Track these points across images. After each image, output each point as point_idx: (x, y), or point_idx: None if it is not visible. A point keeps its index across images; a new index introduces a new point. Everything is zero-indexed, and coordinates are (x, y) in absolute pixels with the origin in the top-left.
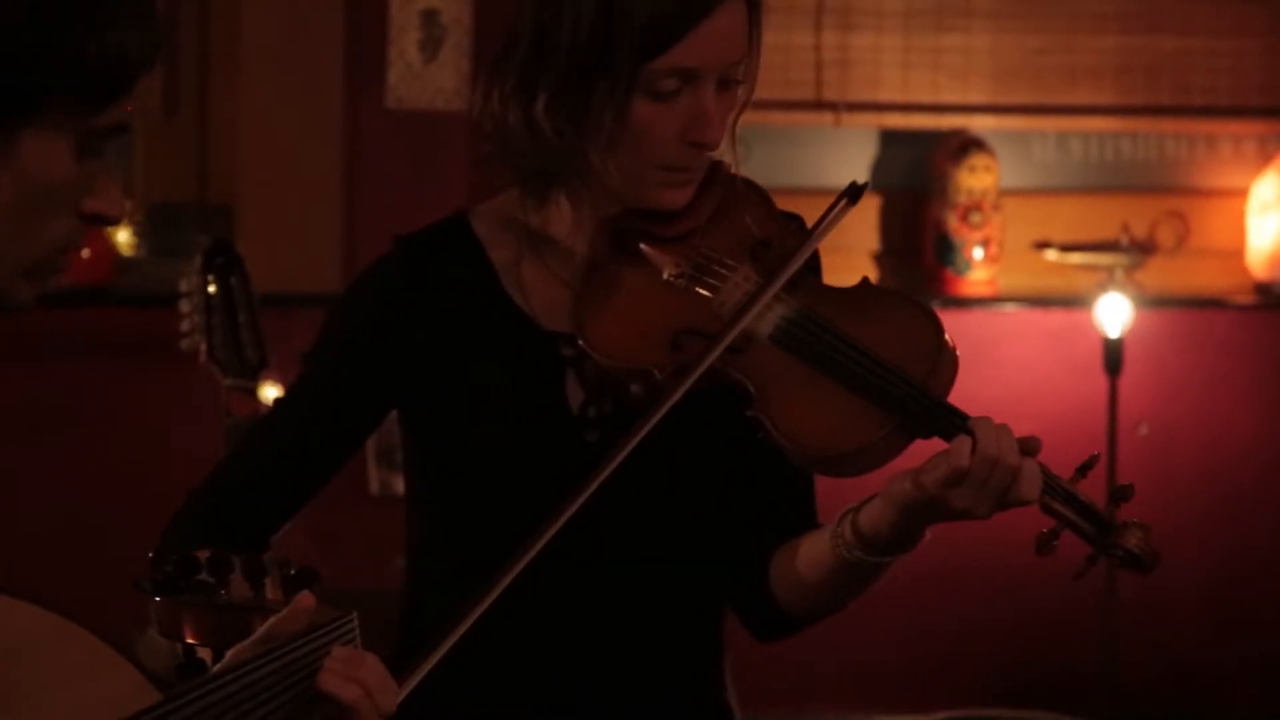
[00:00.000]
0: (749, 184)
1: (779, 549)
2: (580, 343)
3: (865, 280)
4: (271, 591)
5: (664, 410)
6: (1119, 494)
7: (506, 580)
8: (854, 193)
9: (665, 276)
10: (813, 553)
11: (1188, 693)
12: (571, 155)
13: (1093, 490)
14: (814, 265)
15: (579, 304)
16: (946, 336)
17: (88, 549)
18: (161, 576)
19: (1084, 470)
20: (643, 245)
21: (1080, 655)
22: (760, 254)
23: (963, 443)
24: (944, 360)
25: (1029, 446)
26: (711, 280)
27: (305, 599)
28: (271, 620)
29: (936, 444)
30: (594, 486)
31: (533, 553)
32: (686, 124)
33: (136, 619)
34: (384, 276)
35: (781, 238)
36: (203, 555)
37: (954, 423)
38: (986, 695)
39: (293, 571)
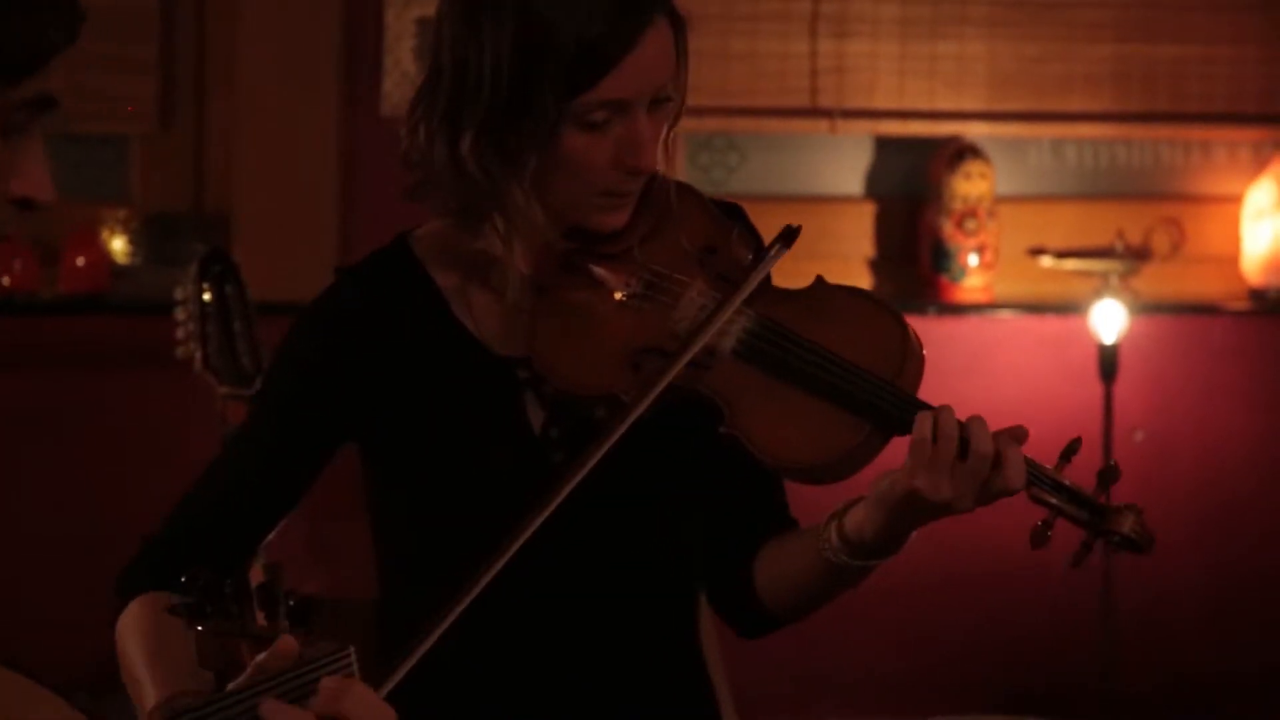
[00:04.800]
0: (684, 187)
1: (764, 549)
2: (539, 370)
3: (820, 279)
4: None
5: (621, 432)
6: (1107, 476)
7: (467, 599)
8: (788, 237)
9: (618, 297)
10: (798, 555)
11: (1185, 700)
12: (499, 191)
13: (1082, 480)
14: (751, 243)
15: (532, 331)
16: (910, 331)
17: (83, 556)
18: (191, 602)
19: (1067, 455)
20: (593, 266)
21: (1078, 662)
22: (709, 261)
23: (925, 417)
24: (910, 355)
25: (1016, 435)
26: (665, 298)
27: (286, 644)
28: (261, 657)
29: None
30: (552, 506)
31: (493, 572)
32: (621, 150)
33: None
34: (333, 309)
35: (727, 242)
36: (225, 580)
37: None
38: (985, 702)
39: (292, 603)
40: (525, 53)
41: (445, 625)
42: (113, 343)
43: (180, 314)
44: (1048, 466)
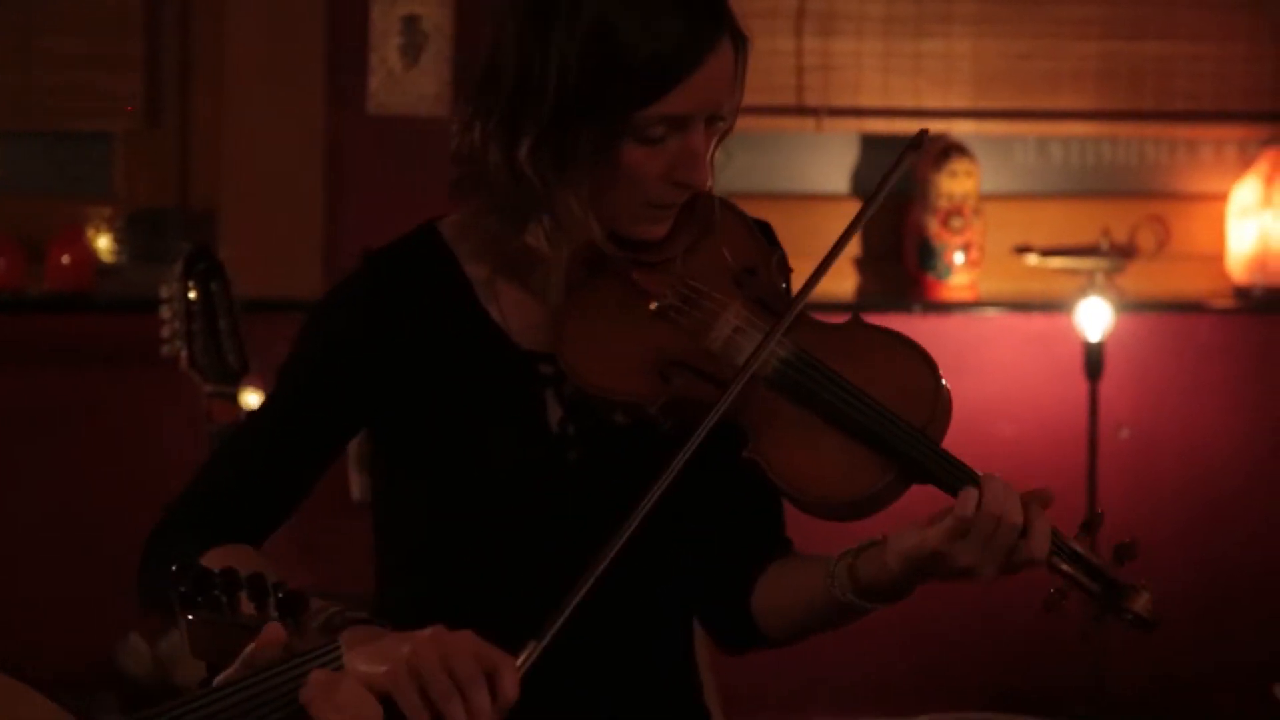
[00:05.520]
0: (726, 204)
1: (765, 573)
2: (564, 368)
3: (856, 316)
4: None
5: (688, 452)
6: (1123, 552)
7: (546, 643)
8: (918, 142)
9: (653, 306)
10: (803, 586)
11: (1170, 698)
12: (552, 197)
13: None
14: (786, 272)
15: (561, 330)
16: (942, 379)
17: (69, 554)
18: (182, 591)
19: (1088, 528)
20: (632, 272)
21: (1065, 660)
22: (748, 283)
23: (969, 494)
24: (941, 405)
25: (1043, 500)
26: (700, 314)
27: (273, 631)
28: (249, 648)
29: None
30: (623, 541)
31: (565, 615)
32: (675, 165)
33: (118, 623)
34: (357, 292)
35: (767, 266)
36: (215, 571)
37: (953, 472)
38: (974, 700)
39: (281, 595)
40: (593, 63)
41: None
42: (98, 341)
43: (165, 312)
44: (1069, 537)
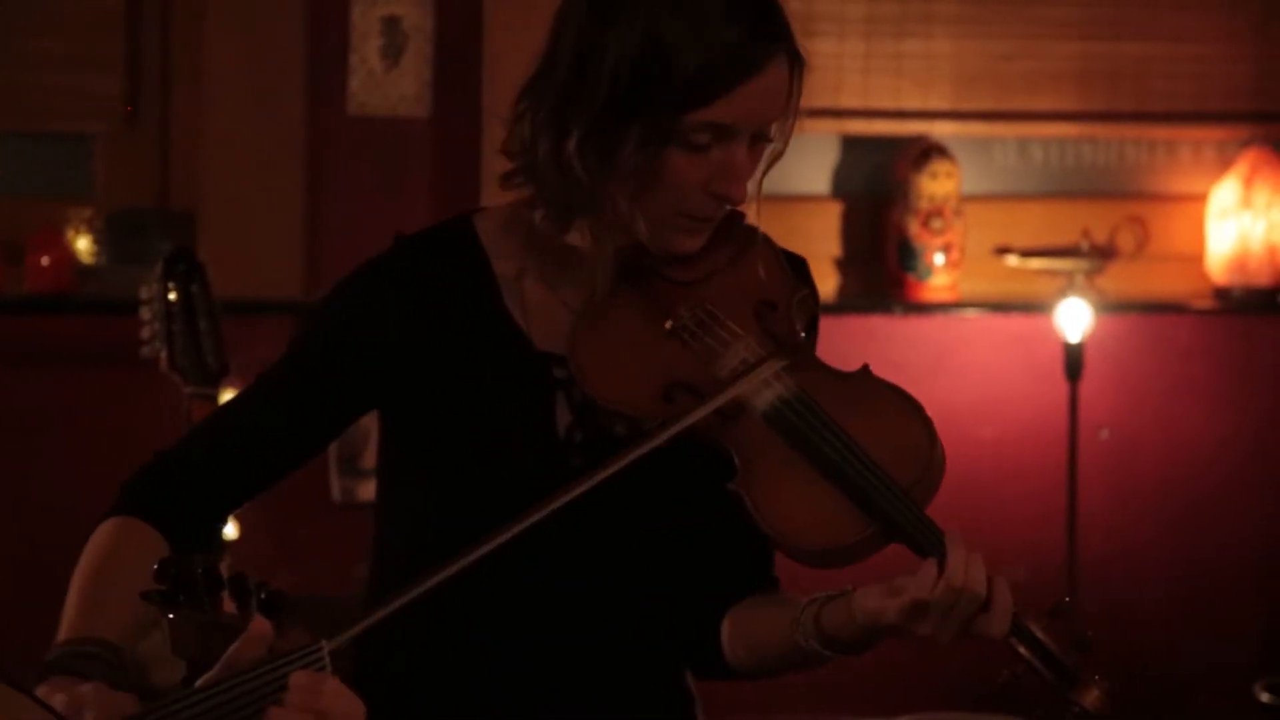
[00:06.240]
0: (766, 239)
1: (738, 606)
2: (573, 370)
3: (866, 369)
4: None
5: (639, 453)
6: (1080, 645)
7: (446, 574)
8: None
9: (668, 325)
10: (771, 626)
11: (1148, 698)
12: (599, 195)
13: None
14: (807, 312)
15: (577, 333)
16: (938, 445)
17: (47, 557)
18: (163, 588)
19: (1055, 614)
20: (654, 286)
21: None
22: (766, 318)
23: (928, 574)
24: (932, 469)
25: (1012, 580)
26: (713, 340)
27: (260, 625)
28: (233, 649)
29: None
30: (551, 508)
31: (479, 554)
32: (714, 176)
33: None
34: (382, 275)
35: (788, 304)
36: (197, 569)
37: (930, 540)
38: (952, 699)
39: (263, 595)
40: (647, 62)
41: (407, 599)
42: (78, 342)
43: (145, 313)
44: (1031, 622)
